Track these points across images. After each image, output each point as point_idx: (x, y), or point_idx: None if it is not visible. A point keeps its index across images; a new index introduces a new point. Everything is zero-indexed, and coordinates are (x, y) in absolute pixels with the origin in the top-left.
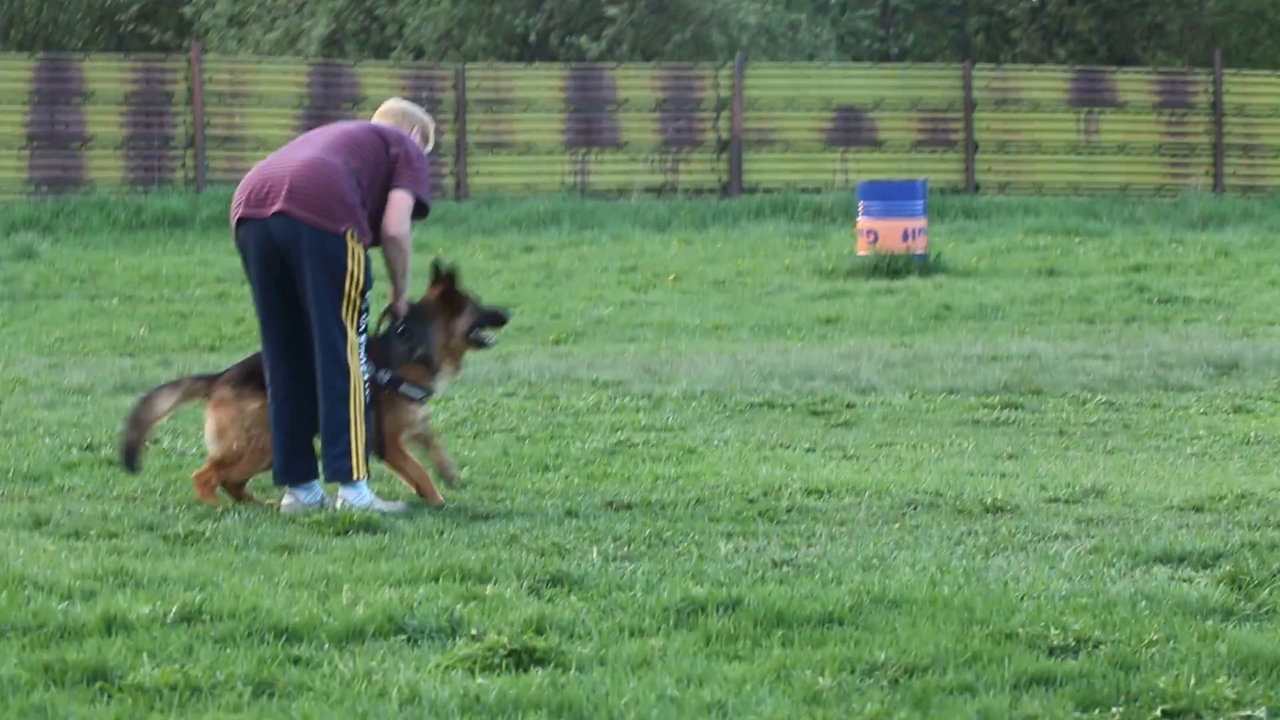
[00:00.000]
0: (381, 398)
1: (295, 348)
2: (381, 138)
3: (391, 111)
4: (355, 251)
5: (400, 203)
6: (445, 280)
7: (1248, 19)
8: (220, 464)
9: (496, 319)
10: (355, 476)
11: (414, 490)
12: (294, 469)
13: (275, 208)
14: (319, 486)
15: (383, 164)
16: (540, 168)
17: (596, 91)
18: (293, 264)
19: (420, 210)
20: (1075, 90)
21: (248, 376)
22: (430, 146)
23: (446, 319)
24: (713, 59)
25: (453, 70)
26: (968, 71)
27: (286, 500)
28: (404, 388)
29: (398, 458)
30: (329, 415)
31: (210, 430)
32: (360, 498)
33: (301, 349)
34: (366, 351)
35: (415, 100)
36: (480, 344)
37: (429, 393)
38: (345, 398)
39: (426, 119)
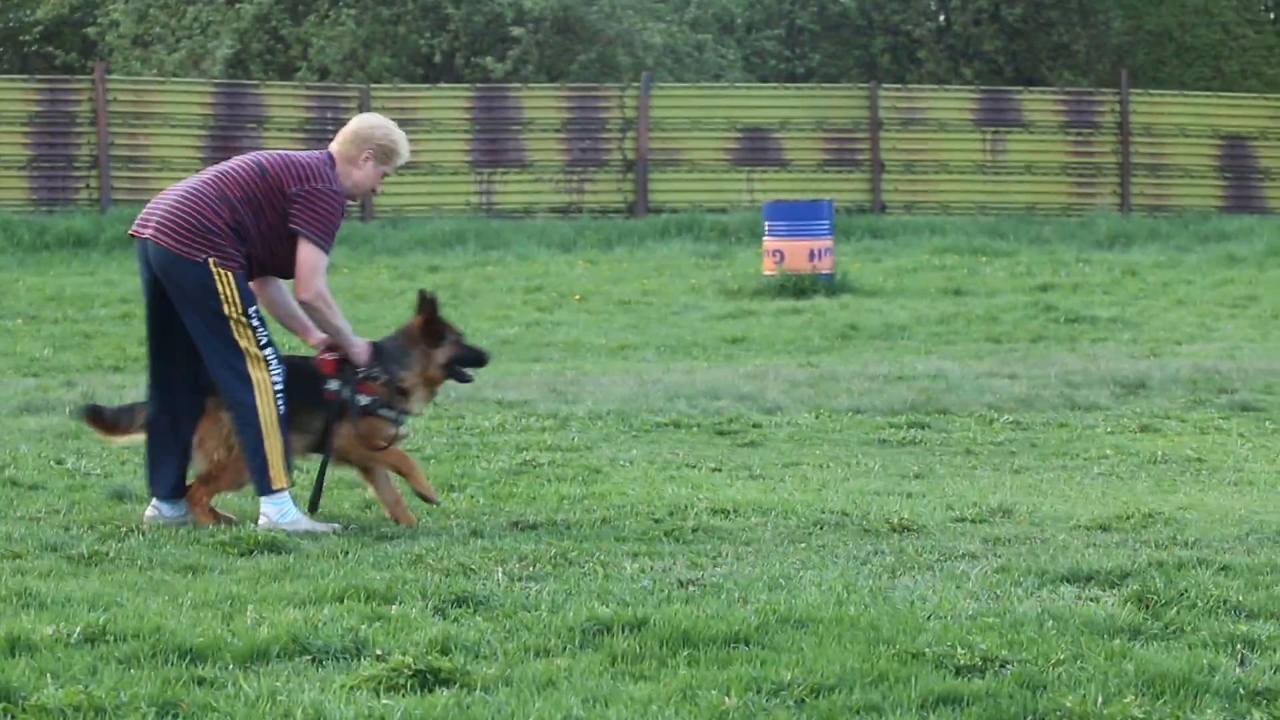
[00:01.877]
0: (357, 422)
1: (170, 362)
2: (281, 176)
3: (340, 138)
4: (222, 276)
5: (305, 261)
6: (428, 309)
7: (1154, 39)
8: (205, 478)
9: (477, 358)
10: (275, 486)
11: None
12: (163, 482)
13: (148, 232)
14: (185, 505)
15: (279, 201)
16: (445, 188)
17: (502, 112)
18: (167, 288)
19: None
20: (981, 110)
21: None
22: (397, 162)
23: (427, 347)
24: (618, 79)
25: (357, 91)
26: (874, 91)
27: (149, 511)
28: (382, 410)
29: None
30: (242, 430)
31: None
32: (283, 514)
33: (177, 364)
34: (338, 372)
35: (320, 121)
36: (460, 378)
37: (405, 414)
38: (253, 409)
39: (382, 137)
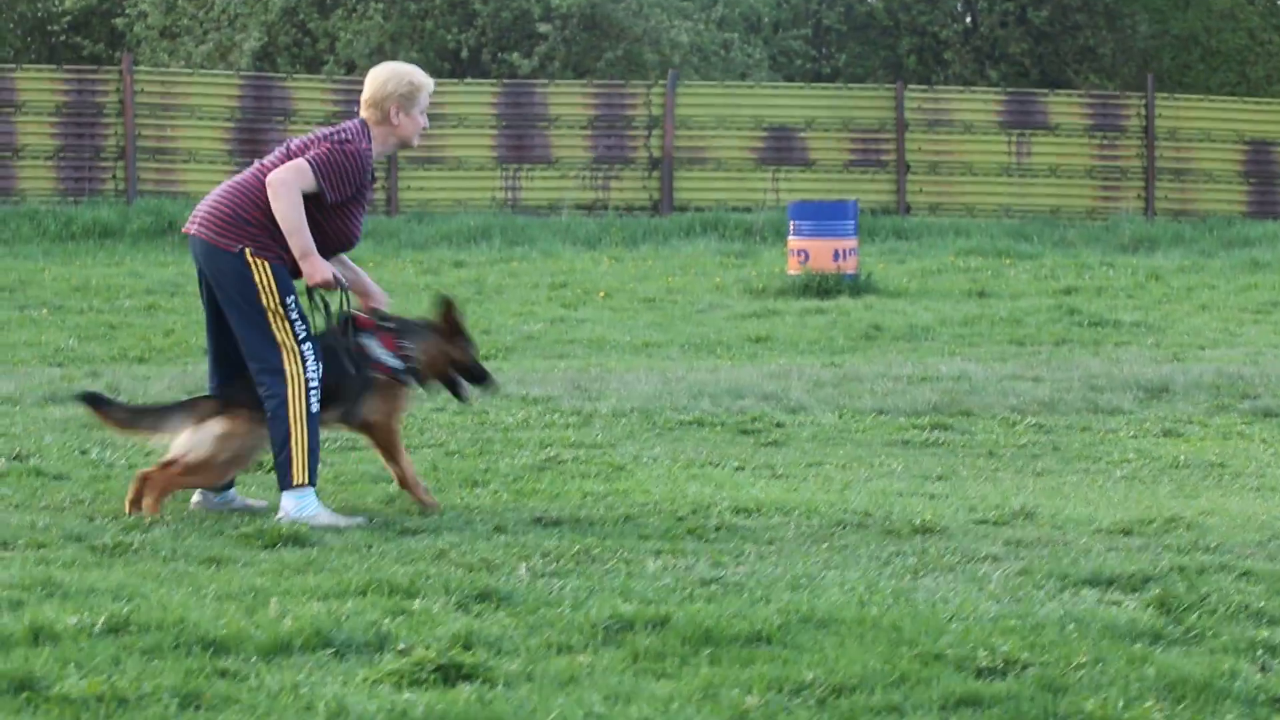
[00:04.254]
0: (382, 385)
1: (223, 358)
2: (305, 145)
3: (363, 105)
4: (257, 264)
5: (292, 164)
6: (450, 309)
7: (1180, 43)
8: (185, 469)
9: (480, 375)
10: (295, 481)
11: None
12: None
13: (193, 228)
14: (233, 492)
15: None
16: (471, 183)
17: (528, 108)
18: (210, 282)
19: (323, 194)
20: (1007, 112)
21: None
22: (425, 95)
23: (442, 338)
24: (645, 77)
25: None
26: (900, 92)
27: (196, 498)
28: (403, 375)
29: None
30: (272, 423)
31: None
32: (302, 508)
33: (229, 360)
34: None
35: (347, 114)
36: (455, 388)
37: (416, 385)
38: (285, 402)
39: (395, 86)
